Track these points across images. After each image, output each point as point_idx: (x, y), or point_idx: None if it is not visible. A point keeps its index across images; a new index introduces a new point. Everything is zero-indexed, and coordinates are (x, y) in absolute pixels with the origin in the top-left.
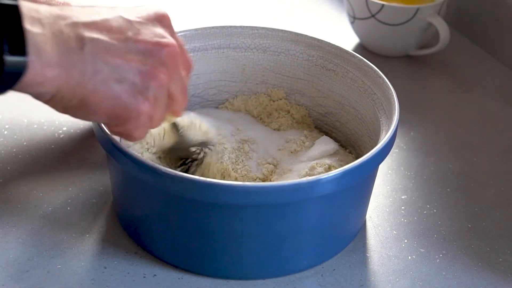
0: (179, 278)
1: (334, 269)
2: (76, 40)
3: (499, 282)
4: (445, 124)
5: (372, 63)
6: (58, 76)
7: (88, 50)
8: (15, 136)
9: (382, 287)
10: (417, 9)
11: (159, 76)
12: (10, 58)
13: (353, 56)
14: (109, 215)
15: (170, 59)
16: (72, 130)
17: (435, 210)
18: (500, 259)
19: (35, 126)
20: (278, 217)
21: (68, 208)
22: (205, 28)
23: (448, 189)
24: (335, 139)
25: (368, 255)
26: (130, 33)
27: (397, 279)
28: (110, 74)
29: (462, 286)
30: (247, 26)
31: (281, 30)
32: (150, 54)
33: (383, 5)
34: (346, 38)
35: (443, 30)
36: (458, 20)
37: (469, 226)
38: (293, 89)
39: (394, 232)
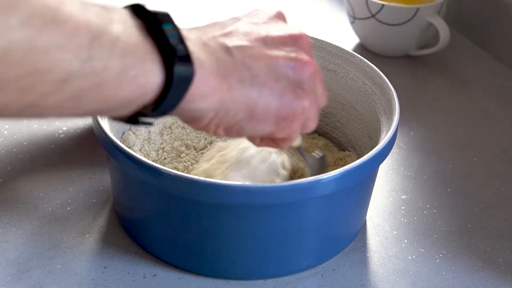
0: (179, 278)
1: (334, 269)
2: (222, 50)
3: (499, 282)
4: (445, 124)
5: (372, 63)
6: (220, 86)
7: (238, 57)
8: (15, 136)
9: (382, 287)
10: (417, 9)
11: (306, 65)
12: (178, 67)
13: (354, 56)
14: (109, 215)
15: (307, 47)
16: (72, 130)
17: (435, 210)
18: (500, 259)
19: (35, 126)
20: (278, 217)
21: (68, 208)
22: None
23: (448, 189)
24: (336, 139)
25: (368, 255)
26: (263, 33)
27: (397, 279)
28: (267, 75)
29: (462, 286)
30: None
31: None
32: (289, 46)
33: (383, 5)
34: (346, 38)
35: (443, 30)
36: (458, 20)
37: (469, 226)
38: None
39: (394, 232)
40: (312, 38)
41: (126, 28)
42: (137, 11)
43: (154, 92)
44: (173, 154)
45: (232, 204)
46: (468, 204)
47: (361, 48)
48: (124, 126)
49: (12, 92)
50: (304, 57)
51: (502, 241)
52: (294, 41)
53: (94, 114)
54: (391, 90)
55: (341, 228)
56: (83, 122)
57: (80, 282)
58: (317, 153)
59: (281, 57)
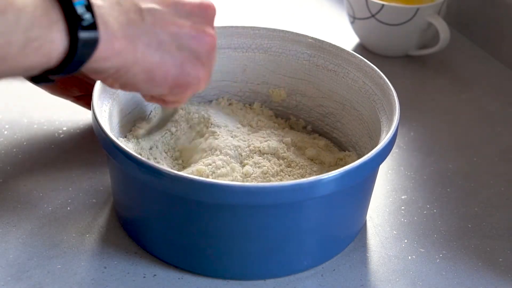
0: (179, 278)
1: (334, 269)
2: (135, 12)
3: (499, 282)
4: (445, 124)
5: (372, 63)
6: (125, 49)
7: (148, 20)
8: (15, 136)
9: (382, 287)
10: (417, 9)
11: (209, 39)
12: (82, 35)
13: (354, 56)
14: (109, 215)
15: (212, 19)
16: (72, 130)
17: (435, 210)
18: (500, 259)
19: (35, 126)
20: (278, 218)
21: (68, 208)
22: None
23: (448, 189)
24: (336, 139)
25: (368, 255)
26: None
27: (397, 279)
28: (171, 42)
29: (462, 286)
30: (248, 27)
31: (282, 31)
32: (196, 16)
33: (383, 5)
34: (346, 38)
35: (443, 30)
36: (458, 20)
37: (469, 226)
38: (294, 90)
39: (394, 232)
40: (312, 38)
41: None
42: None
43: (58, 58)
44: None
45: (232, 204)
46: (468, 204)
47: (361, 48)
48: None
49: None
50: (208, 30)
51: (502, 241)
52: (203, 11)
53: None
54: (392, 90)
55: (341, 228)
56: (83, 122)
57: (80, 282)
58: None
59: (187, 26)
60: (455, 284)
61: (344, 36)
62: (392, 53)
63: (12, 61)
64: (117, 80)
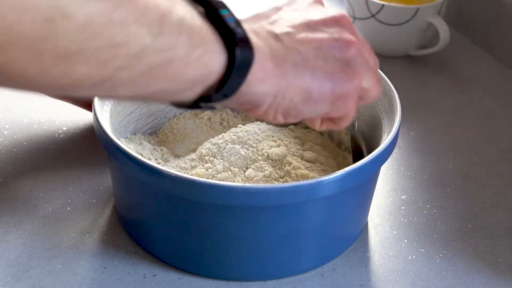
0: (179, 278)
1: (334, 269)
2: (272, 37)
3: (499, 282)
4: (445, 124)
5: None
6: (275, 71)
7: (287, 43)
8: (15, 136)
9: (382, 287)
10: (417, 9)
11: (350, 43)
12: (239, 51)
13: None
14: (109, 215)
15: (350, 26)
16: (72, 130)
17: (435, 210)
18: (500, 259)
19: (35, 126)
20: (279, 219)
21: (68, 208)
22: None
23: (448, 189)
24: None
25: (368, 255)
26: (306, 18)
27: (397, 279)
28: (315, 57)
29: (462, 286)
30: None
31: None
32: (331, 27)
33: (383, 5)
34: None
35: (443, 30)
36: (458, 20)
37: (469, 226)
38: None
39: (394, 232)
40: None
41: (189, 11)
42: None
43: (218, 73)
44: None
45: (232, 205)
46: (468, 204)
47: None
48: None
49: (91, 64)
50: (348, 36)
51: (502, 241)
52: (336, 22)
53: (161, 94)
54: (393, 92)
55: (342, 230)
56: (83, 122)
57: (80, 282)
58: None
59: (325, 39)
60: (455, 284)
61: None
62: (392, 53)
63: (177, 66)
64: (277, 110)
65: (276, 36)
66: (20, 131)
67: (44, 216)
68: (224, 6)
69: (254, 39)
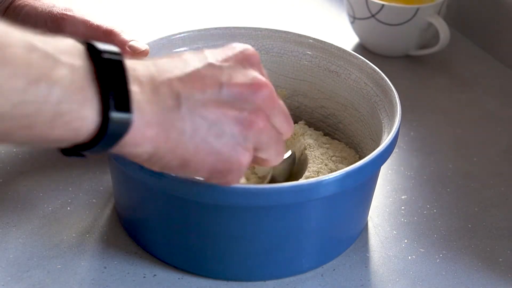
0: (179, 278)
1: (334, 269)
2: (172, 98)
3: (499, 282)
4: (445, 124)
5: (372, 63)
6: (156, 136)
7: (186, 108)
8: None
9: (382, 287)
10: (417, 9)
11: (256, 123)
12: (115, 116)
13: (356, 57)
14: (109, 215)
15: (266, 100)
16: None
17: (435, 210)
18: (500, 259)
19: None
20: (279, 219)
21: (68, 208)
22: (208, 29)
23: (448, 189)
24: (338, 141)
25: (368, 255)
26: (223, 79)
27: (397, 279)
28: (209, 130)
29: (462, 286)
30: (250, 27)
31: (284, 32)
32: (245, 99)
33: (383, 5)
34: (346, 38)
35: (443, 30)
36: (458, 20)
37: (469, 226)
38: (296, 91)
39: (394, 232)
40: (315, 39)
41: (71, 73)
42: (92, 51)
43: (87, 136)
44: None
45: (232, 205)
46: (468, 204)
47: (361, 48)
48: None
49: None
50: (254, 117)
51: (502, 241)
52: (254, 92)
53: (27, 144)
54: (393, 92)
55: (342, 230)
56: None
57: (80, 282)
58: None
59: (230, 114)
60: (455, 284)
61: (344, 36)
62: (392, 53)
63: (39, 131)
64: (153, 165)
65: (178, 97)
66: None
67: (44, 216)
68: (119, 66)
69: (145, 102)
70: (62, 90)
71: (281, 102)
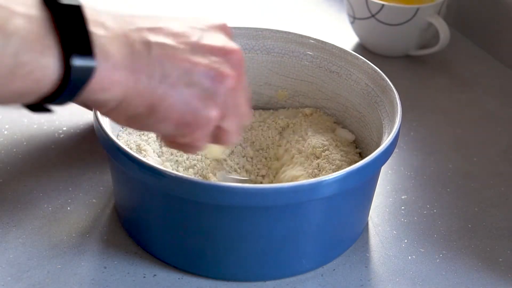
0: (179, 278)
1: (334, 269)
2: (142, 44)
3: (499, 282)
4: (445, 124)
5: (372, 63)
6: (125, 80)
7: (155, 53)
8: (15, 136)
9: (382, 287)
10: (417, 9)
11: (227, 80)
12: (77, 62)
13: (357, 58)
14: (109, 215)
15: (237, 63)
16: (72, 130)
17: (435, 210)
18: (500, 259)
19: (35, 126)
20: (279, 219)
21: (68, 208)
22: None
23: (448, 189)
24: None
25: (368, 255)
26: (194, 38)
27: (397, 279)
28: (179, 78)
29: (462, 286)
30: (251, 28)
31: (285, 32)
32: (216, 58)
33: (383, 5)
34: (346, 38)
35: (443, 30)
36: (458, 20)
37: (469, 226)
38: (297, 91)
39: (394, 232)
40: (316, 40)
41: (28, 22)
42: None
43: (51, 86)
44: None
45: (232, 205)
46: (468, 204)
47: (361, 48)
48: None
49: None
50: (228, 70)
51: (502, 241)
52: (224, 54)
53: None
54: (394, 92)
55: (342, 231)
56: (83, 122)
57: (80, 282)
58: (240, 176)
59: (202, 64)
60: (455, 284)
61: (344, 36)
62: (392, 53)
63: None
64: (120, 114)
65: (147, 43)
66: (20, 131)
67: (44, 216)
68: (78, 12)
69: (110, 45)
70: (19, 41)
71: (246, 85)
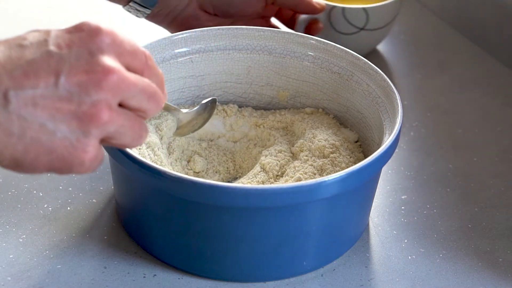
0: (179, 278)
1: (334, 269)
2: (0, 96)
3: (499, 282)
4: (445, 124)
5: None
6: None
7: (14, 107)
8: None
9: (382, 287)
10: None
11: (98, 116)
12: None
13: (358, 59)
14: (109, 215)
15: (114, 87)
16: None
17: (435, 210)
18: (500, 259)
19: None
20: (280, 220)
21: (68, 208)
22: (210, 29)
23: (448, 189)
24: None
25: (368, 255)
26: (61, 70)
27: (397, 279)
28: (41, 129)
29: (462, 286)
30: (252, 28)
31: (287, 32)
32: (87, 91)
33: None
34: None
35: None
36: (458, 20)
37: (469, 226)
38: (298, 92)
39: (394, 232)
40: (317, 40)
41: None
42: None
43: None
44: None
45: (232, 205)
46: (468, 204)
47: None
48: None
49: None
50: (95, 110)
51: (502, 241)
52: (96, 82)
53: None
54: (395, 94)
55: (343, 232)
56: None
57: (80, 282)
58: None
59: (66, 111)
60: (455, 284)
61: None
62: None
63: None
64: None
65: (6, 95)
66: None
67: (44, 216)
68: None
69: None
70: None
71: (139, 80)
